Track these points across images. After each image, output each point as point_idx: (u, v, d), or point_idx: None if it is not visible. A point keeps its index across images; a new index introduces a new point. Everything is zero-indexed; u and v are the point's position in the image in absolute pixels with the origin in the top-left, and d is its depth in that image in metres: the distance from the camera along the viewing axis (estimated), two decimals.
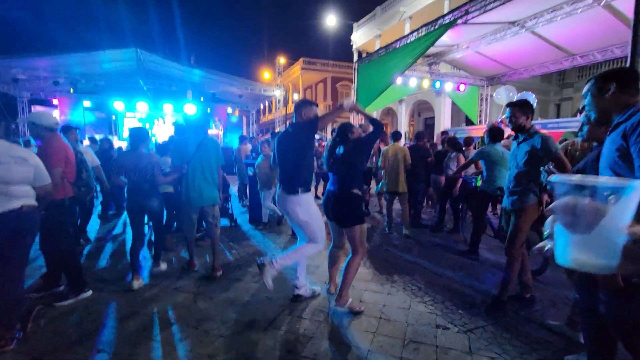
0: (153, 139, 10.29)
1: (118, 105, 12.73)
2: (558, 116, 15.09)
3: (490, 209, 4.80)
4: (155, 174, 3.21)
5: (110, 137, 12.68)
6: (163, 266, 3.53)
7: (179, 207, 4.13)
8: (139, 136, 3.30)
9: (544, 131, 2.68)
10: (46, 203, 2.36)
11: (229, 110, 18.62)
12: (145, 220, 3.54)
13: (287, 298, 2.76)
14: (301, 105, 2.67)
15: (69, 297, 2.75)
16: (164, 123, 14.19)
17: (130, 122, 13.69)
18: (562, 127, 8.13)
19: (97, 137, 7.72)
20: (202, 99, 14.84)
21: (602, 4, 6.51)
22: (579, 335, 2.16)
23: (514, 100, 4.03)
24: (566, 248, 0.57)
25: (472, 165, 4.28)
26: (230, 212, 5.49)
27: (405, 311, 2.58)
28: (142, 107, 12.94)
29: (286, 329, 2.34)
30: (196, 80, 13.96)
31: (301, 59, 25.97)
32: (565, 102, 15.55)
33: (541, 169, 2.41)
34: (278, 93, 16.18)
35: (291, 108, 29.50)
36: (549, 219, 0.63)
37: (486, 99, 12.14)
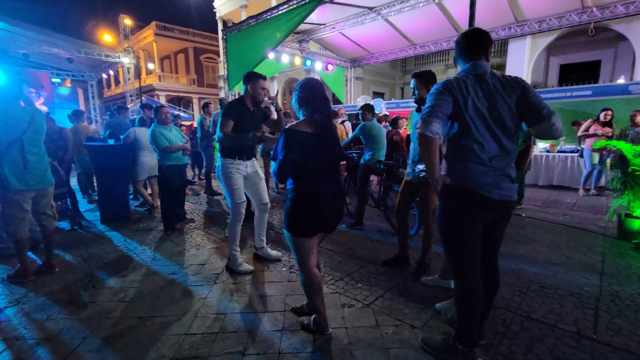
0: None
1: None
2: (402, 97, 18.03)
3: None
4: None
5: None
6: None
7: None
8: None
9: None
10: None
11: (56, 80, 14.40)
12: None
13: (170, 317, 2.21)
14: None
15: None
16: None
17: None
18: (405, 107, 9.96)
19: None
20: None
21: (436, 1, 7.77)
22: (450, 283, 2.48)
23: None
24: None
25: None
26: (69, 211, 4.18)
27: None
28: None
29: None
30: None
31: (154, 23, 22.25)
32: (407, 86, 18.59)
33: None
34: (127, 60, 13.42)
35: (146, 80, 25.24)
36: None
37: (350, 80, 13.17)
